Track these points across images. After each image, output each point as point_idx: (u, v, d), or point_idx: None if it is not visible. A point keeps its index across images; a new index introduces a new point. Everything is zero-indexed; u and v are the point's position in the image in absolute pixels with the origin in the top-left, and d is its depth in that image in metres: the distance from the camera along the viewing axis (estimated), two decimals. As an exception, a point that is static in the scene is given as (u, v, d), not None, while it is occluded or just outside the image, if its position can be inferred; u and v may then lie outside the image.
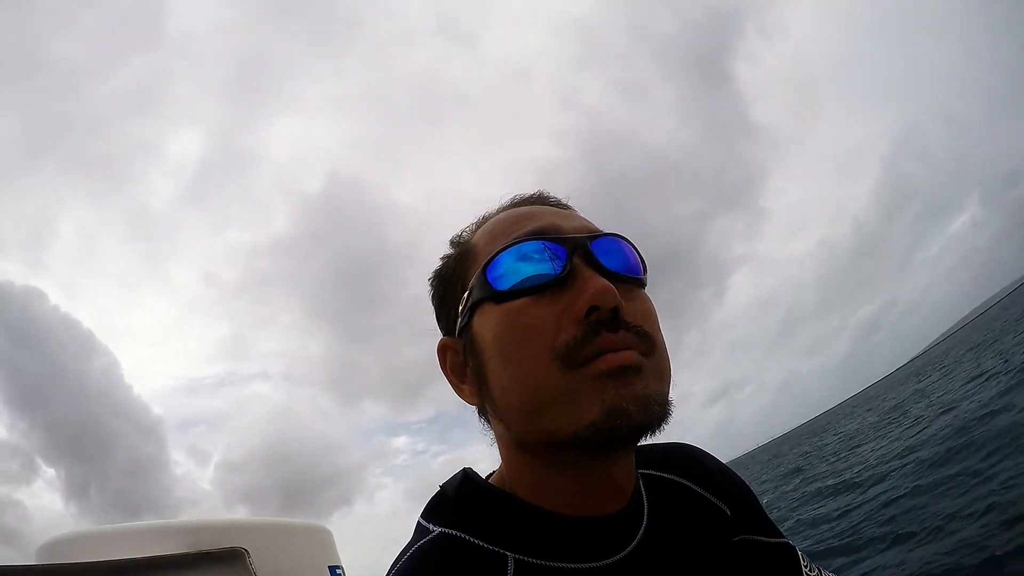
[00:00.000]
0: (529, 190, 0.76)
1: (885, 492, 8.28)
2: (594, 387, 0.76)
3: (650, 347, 0.76)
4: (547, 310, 0.76)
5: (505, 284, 0.76)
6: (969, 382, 15.00)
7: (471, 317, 0.76)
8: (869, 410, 37.59)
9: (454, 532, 0.76)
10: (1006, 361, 14.85)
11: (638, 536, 0.76)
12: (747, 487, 0.77)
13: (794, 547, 0.76)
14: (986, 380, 13.21)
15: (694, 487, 0.76)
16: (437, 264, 0.76)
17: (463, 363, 0.76)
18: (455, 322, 0.76)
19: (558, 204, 0.76)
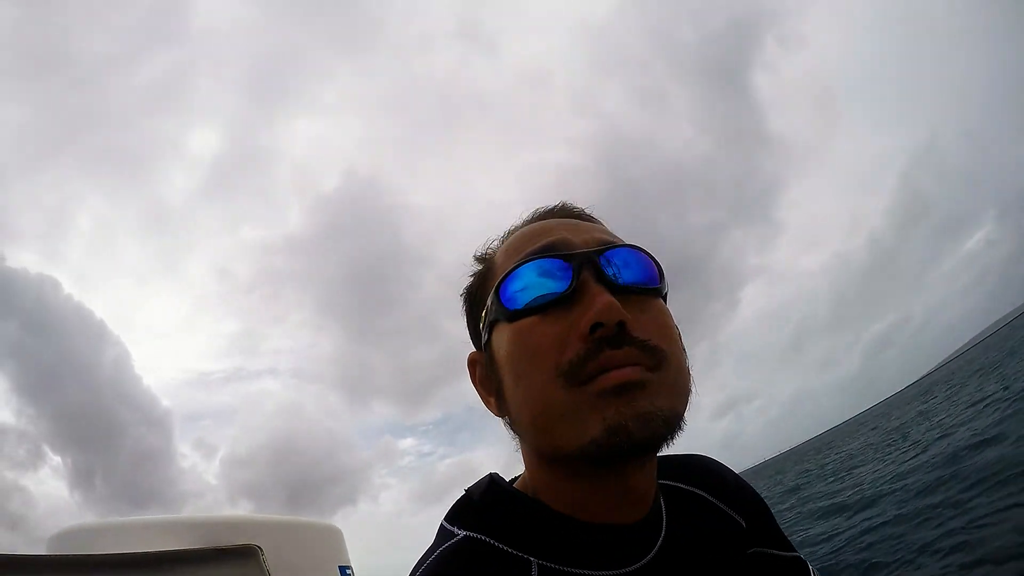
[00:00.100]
0: (549, 197, 0.76)
1: (870, 519, 8.28)
2: (596, 404, 0.77)
3: (658, 361, 0.77)
4: (553, 328, 0.77)
5: (516, 303, 0.78)
6: (970, 407, 14.77)
7: (490, 334, 0.78)
8: (873, 429, 36.96)
9: (479, 536, 0.77)
10: (1006, 388, 14.61)
11: (657, 545, 0.77)
12: (762, 500, 0.78)
13: (806, 562, 0.77)
14: (985, 406, 13.01)
15: (711, 498, 0.77)
16: (468, 280, 0.78)
17: (488, 377, 0.78)
18: (480, 338, 0.79)
19: (580, 215, 0.77)
